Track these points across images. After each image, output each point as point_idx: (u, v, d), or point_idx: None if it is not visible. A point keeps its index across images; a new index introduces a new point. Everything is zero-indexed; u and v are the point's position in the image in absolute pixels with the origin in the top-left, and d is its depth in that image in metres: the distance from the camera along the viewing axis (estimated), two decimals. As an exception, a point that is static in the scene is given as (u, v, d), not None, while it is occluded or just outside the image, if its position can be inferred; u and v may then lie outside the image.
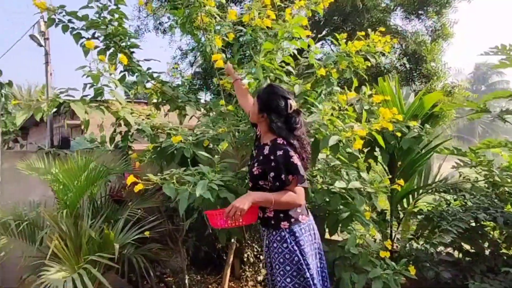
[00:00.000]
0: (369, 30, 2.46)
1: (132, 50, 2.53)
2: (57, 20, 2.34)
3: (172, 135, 2.22)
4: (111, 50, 2.43)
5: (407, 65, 5.66)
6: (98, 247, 2.06)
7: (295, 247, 1.52)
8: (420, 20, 6.17)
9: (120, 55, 2.25)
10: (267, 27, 2.36)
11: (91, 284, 1.78)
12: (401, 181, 2.05)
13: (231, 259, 2.73)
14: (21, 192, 2.56)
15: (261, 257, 3.31)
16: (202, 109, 2.79)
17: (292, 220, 1.54)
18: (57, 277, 1.78)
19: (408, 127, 2.37)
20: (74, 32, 2.36)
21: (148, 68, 2.61)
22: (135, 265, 2.24)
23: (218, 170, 1.62)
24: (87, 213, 2.24)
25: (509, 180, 2.71)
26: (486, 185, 2.78)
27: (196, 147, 1.87)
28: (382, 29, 2.55)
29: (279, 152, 1.51)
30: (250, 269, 3.21)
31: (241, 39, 2.63)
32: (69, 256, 1.96)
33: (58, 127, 8.77)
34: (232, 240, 2.77)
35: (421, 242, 2.71)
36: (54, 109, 2.24)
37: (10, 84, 2.51)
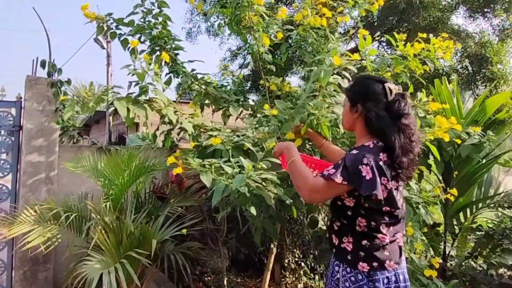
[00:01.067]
0: (429, 33, 2.28)
1: (176, 52, 2.57)
2: (105, 27, 2.44)
3: (214, 135, 2.22)
4: (157, 53, 2.49)
5: (469, 68, 5.16)
6: (138, 241, 2.11)
7: None
8: (486, 19, 5.60)
9: (163, 55, 2.28)
10: (319, 27, 2.28)
11: (131, 277, 1.82)
12: (454, 191, 1.83)
13: (272, 263, 2.68)
14: (74, 184, 2.74)
15: (302, 264, 3.22)
16: (250, 110, 2.78)
17: (375, 264, 1.19)
18: (97, 267, 1.85)
19: (467, 133, 2.13)
20: (122, 38, 2.47)
21: (193, 70, 2.64)
22: (173, 262, 2.26)
23: (260, 167, 1.55)
24: (130, 208, 2.33)
25: None
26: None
27: (235, 150, 1.83)
28: (445, 34, 2.33)
29: (353, 152, 1.21)
30: (291, 276, 3.14)
31: (290, 39, 2.58)
32: (110, 248, 2.03)
33: (116, 124, 9.21)
34: (272, 245, 2.72)
35: (479, 262, 2.44)
36: (112, 107, 2.28)
37: (69, 82, 2.69)
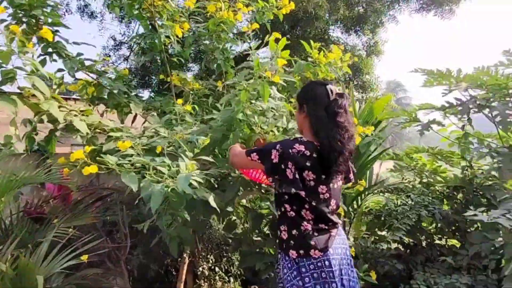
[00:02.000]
0: (316, 42, 2.48)
1: (55, 28, 2.01)
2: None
3: (115, 137, 1.91)
4: (24, 26, 1.89)
5: (347, 76, 5.99)
6: (15, 283, 1.60)
7: (301, 282, 1.33)
8: (357, 36, 6.62)
9: (43, 30, 1.76)
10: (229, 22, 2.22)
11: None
12: (363, 182, 2.05)
13: (184, 274, 2.48)
14: None
15: (217, 269, 3.11)
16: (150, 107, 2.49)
17: (301, 252, 1.34)
18: None
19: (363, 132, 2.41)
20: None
21: (79, 54, 2.13)
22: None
23: (192, 168, 1.38)
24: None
25: (439, 179, 3.00)
26: (420, 185, 3.04)
27: (149, 154, 1.59)
28: (342, 46, 2.57)
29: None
30: (205, 283, 2.99)
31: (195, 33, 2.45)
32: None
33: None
34: (185, 254, 2.53)
35: (371, 239, 2.81)
36: None
37: None
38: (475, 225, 2.64)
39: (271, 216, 2.40)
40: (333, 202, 1.40)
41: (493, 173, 2.74)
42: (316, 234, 1.35)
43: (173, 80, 2.48)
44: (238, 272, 3.24)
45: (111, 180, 2.62)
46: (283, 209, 1.41)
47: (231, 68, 2.78)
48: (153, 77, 7.17)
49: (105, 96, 2.31)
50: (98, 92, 2.23)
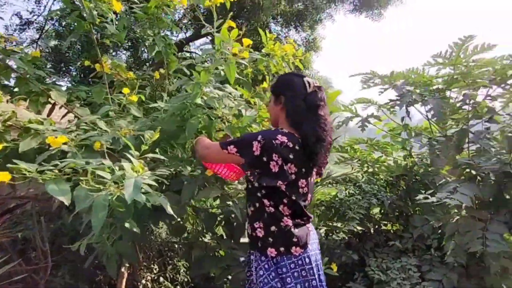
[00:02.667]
0: (257, 35, 2.40)
1: None
2: None
3: (35, 131, 1.56)
4: None
5: (287, 70, 6.08)
6: None
7: (280, 283, 1.25)
8: (297, 31, 6.76)
9: None
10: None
11: None
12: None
13: (123, 290, 2.19)
14: None
15: (161, 279, 2.84)
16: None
17: (282, 249, 1.26)
18: None
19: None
20: None
21: None
22: None
23: (141, 169, 1.13)
24: None
25: (383, 168, 3.17)
26: (366, 175, 3.17)
27: (85, 152, 1.30)
28: (291, 40, 2.53)
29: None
30: (150, 295, 2.71)
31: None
32: None
33: None
34: (123, 268, 2.24)
35: (322, 231, 2.83)
36: None
37: None
38: (417, 210, 2.82)
39: (222, 215, 2.26)
40: (309, 196, 1.36)
41: (424, 161, 2.99)
42: (296, 230, 1.30)
43: (104, 67, 2.16)
44: (186, 280, 3.02)
45: (24, 187, 2.20)
46: (258, 205, 1.32)
47: (173, 55, 2.56)
48: (71, 65, 6.37)
49: (8, 83, 1.90)
50: (5, 76, 1.81)
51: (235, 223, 2.28)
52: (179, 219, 2.25)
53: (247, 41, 1.68)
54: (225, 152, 1.29)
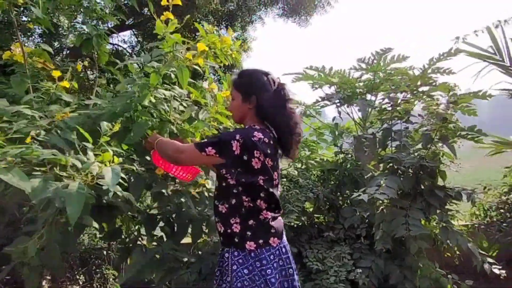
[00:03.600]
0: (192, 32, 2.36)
1: None
2: None
3: None
4: None
5: (221, 67, 6.06)
6: None
7: (259, 276, 1.26)
8: (226, 30, 6.78)
9: None
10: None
11: None
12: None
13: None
14: None
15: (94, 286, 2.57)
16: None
17: (261, 241, 1.28)
18: None
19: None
20: None
21: None
22: None
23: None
24: None
25: (315, 164, 3.40)
26: (300, 170, 3.36)
27: (19, 145, 1.08)
28: (231, 32, 2.50)
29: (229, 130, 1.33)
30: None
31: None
32: None
33: None
34: (44, 281, 1.96)
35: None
36: None
37: None
38: (346, 202, 3.08)
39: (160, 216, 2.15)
40: (280, 187, 1.43)
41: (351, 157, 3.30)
42: (272, 221, 1.34)
43: (17, 54, 1.85)
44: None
45: None
46: (234, 201, 1.31)
47: (104, 46, 2.35)
48: None
49: None
50: None
51: (175, 224, 2.20)
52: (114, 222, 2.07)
53: (201, 46, 1.64)
54: (203, 155, 1.28)
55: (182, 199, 2.01)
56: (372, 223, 2.60)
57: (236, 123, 1.54)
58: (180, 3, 2.06)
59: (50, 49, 1.88)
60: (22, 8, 1.68)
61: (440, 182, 2.41)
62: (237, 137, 1.26)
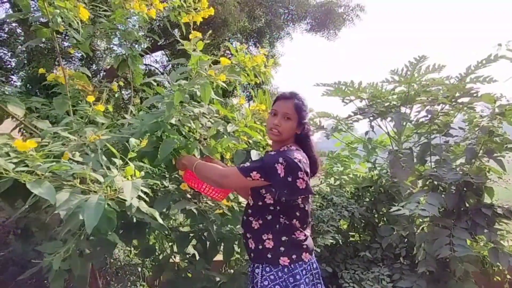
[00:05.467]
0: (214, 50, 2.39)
1: None
2: None
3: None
4: None
5: (251, 84, 6.13)
6: None
7: None
8: (256, 47, 6.89)
9: None
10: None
11: None
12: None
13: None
14: None
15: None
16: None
17: (294, 257, 1.31)
18: None
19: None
20: None
21: None
22: None
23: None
24: None
25: (349, 180, 3.27)
26: (334, 187, 3.25)
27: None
28: (263, 50, 2.53)
29: (271, 153, 1.39)
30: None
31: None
32: None
33: None
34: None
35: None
36: None
37: None
38: (382, 220, 2.93)
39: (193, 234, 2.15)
40: (311, 205, 1.48)
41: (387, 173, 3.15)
42: (304, 239, 1.37)
43: (59, 77, 1.97)
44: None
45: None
46: (270, 217, 1.35)
47: (139, 67, 2.45)
48: (13, 75, 5.84)
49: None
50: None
51: (208, 242, 2.18)
52: (148, 238, 2.10)
53: (225, 61, 1.66)
54: (248, 180, 1.31)
55: (212, 217, 2.00)
56: (411, 243, 2.45)
57: (277, 140, 1.49)
58: (200, 19, 2.12)
59: (88, 72, 1.98)
60: (63, 35, 1.79)
61: (487, 199, 2.23)
62: (280, 160, 1.28)
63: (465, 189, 2.11)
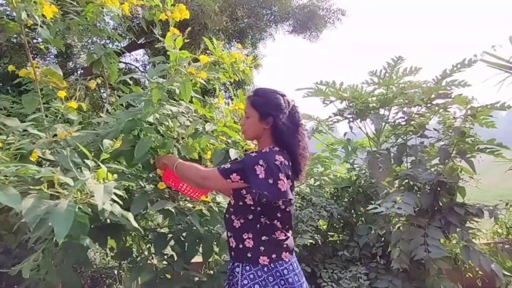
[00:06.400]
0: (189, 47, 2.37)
1: None
2: None
3: None
4: None
5: (232, 84, 6.10)
6: None
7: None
8: (238, 48, 6.86)
9: None
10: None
11: None
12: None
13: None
14: None
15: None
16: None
17: (274, 256, 1.31)
18: None
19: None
20: None
21: None
22: None
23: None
24: None
25: (328, 181, 3.31)
26: (313, 188, 3.27)
27: (20, 161, 1.10)
28: (240, 46, 2.51)
29: (252, 154, 1.37)
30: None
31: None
32: None
33: None
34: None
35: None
36: None
37: None
38: (360, 220, 2.98)
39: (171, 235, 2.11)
40: (294, 207, 1.46)
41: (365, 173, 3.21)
42: (285, 239, 1.36)
43: (30, 73, 1.89)
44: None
45: None
46: (251, 217, 1.33)
47: (113, 65, 2.39)
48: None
49: None
50: None
51: (186, 243, 2.15)
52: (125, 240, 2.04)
53: (204, 59, 1.63)
54: (228, 181, 1.30)
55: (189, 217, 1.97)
56: (388, 242, 2.50)
57: (246, 140, 1.55)
58: (178, 17, 2.09)
59: (59, 70, 1.91)
60: (36, 30, 1.72)
61: (459, 198, 2.31)
62: (261, 162, 1.26)
63: (438, 188, 2.17)
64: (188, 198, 1.92)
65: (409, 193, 2.15)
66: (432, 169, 2.24)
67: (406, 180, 2.33)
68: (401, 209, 1.91)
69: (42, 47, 1.93)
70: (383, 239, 2.62)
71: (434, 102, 2.75)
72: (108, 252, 2.69)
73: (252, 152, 1.42)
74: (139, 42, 6.84)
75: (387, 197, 2.30)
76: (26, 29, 1.72)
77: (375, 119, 2.84)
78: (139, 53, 7.84)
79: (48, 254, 1.20)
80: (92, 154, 1.36)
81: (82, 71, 6.53)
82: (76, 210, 0.84)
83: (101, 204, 0.80)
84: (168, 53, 1.76)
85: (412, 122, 2.54)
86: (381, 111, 3.18)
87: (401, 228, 2.27)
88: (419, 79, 3.09)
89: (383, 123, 2.99)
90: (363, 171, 3.07)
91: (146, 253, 2.29)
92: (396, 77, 3.05)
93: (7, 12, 1.76)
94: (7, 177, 0.85)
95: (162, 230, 2.26)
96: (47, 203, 0.82)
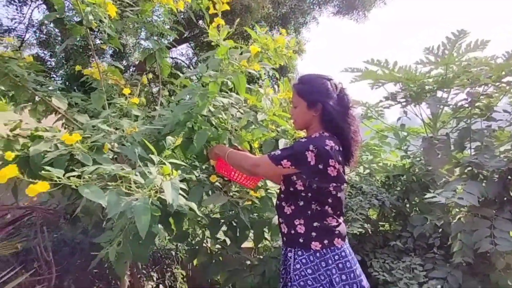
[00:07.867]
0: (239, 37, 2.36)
1: None
2: None
3: (37, 137, 1.45)
4: None
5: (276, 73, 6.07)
6: None
7: (325, 275, 1.28)
8: (281, 34, 6.77)
9: None
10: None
11: None
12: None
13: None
14: None
15: (161, 286, 2.75)
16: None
17: (326, 242, 1.31)
18: None
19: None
20: None
21: None
22: None
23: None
24: None
25: (379, 169, 3.18)
26: (363, 176, 3.17)
27: (95, 154, 1.23)
28: (284, 31, 2.47)
29: (302, 140, 1.34)
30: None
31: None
32: None
33: None
34: (125, 276, 2.13)
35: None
36: None
37: None
38: (414, 210, 2.84)
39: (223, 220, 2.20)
40: (344, 193, 1.47)
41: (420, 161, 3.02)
42: (337, 225, 1.36)
43: (94, 72, 2.04)
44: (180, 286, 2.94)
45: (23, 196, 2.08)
46: (302, 203, 1.35)
47: (166, 60, 2.49)
48: (53, 73, 6.20)
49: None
50: (2, 84, 1.70)
51: (238, 229, 2.23)
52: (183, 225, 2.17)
53: (255, 49, 1.63)
54: (279, 168, 1.31)
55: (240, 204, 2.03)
56: (446, 233, 2.36)
57: (297, 129, 1.56)
58: (228, 7, 2.10)
59: (121, 66, 2.04)
60: (95, 32, 1.86)
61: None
62: (311, 147, 1.26)
63: (510, 177, 1.99)
64: (238, 188, 1.97)
65: (473, 182, 1.99)
66: (502, 156, 2.05)
67: (470, 168, 2.16)
68: (462, 199, 1.78)
69: (103, 47, 2.07)
70: (440, 230, 2.48)
71: (504, 80, 2.46)
72: (166, 235, 2.88)
73: (302, 138, 1.41)
74: (184, 36, 7.05)
75: (446, 186, 2.16)
76: (90, 32, 1.87)
77: (432, 102, 2.64)
78: (184, 47, 8.10)
79: (123, 233, 1.34)
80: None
81: (134, 68, 6.91)
82: (149, 205, 0.93)
83: (171, 200, 0.89)
84: (212, 44, 1.80)
85: (477, 104, 2.32)
86: (439, 94, 2.94)
87: (462, 219, 2.13)
88: (486, 55, 2.76)
89: (442, 107, 2.78)
90: (418, 159, 2.90)
91: (200, 236, 2.42)
92: (457, 54, 2.77)
93: (74, 17, 1.90)
94: (90, 176, 0.96)
95: (215, 216, 2.37)
96: (125, 199, 0.93)
